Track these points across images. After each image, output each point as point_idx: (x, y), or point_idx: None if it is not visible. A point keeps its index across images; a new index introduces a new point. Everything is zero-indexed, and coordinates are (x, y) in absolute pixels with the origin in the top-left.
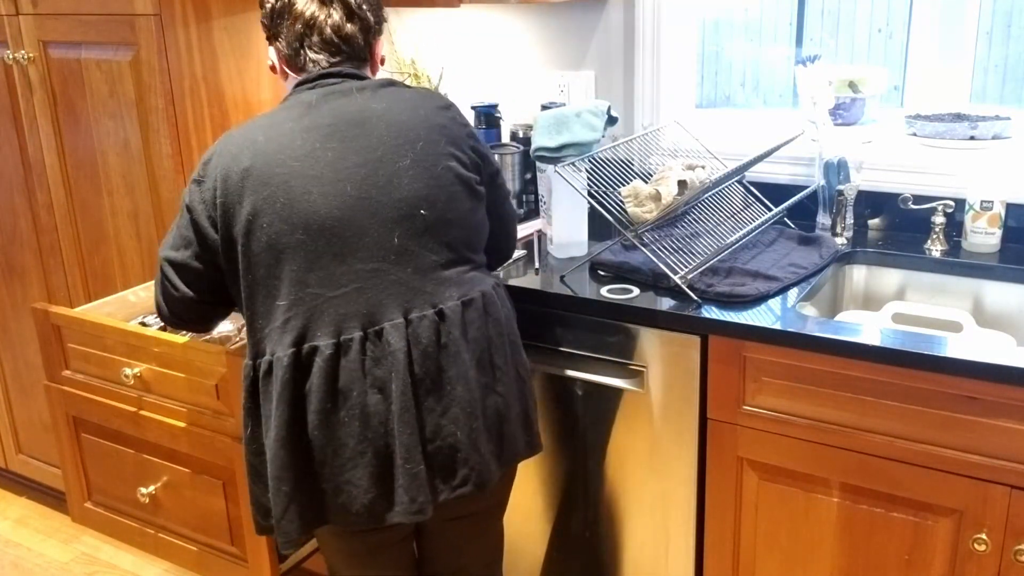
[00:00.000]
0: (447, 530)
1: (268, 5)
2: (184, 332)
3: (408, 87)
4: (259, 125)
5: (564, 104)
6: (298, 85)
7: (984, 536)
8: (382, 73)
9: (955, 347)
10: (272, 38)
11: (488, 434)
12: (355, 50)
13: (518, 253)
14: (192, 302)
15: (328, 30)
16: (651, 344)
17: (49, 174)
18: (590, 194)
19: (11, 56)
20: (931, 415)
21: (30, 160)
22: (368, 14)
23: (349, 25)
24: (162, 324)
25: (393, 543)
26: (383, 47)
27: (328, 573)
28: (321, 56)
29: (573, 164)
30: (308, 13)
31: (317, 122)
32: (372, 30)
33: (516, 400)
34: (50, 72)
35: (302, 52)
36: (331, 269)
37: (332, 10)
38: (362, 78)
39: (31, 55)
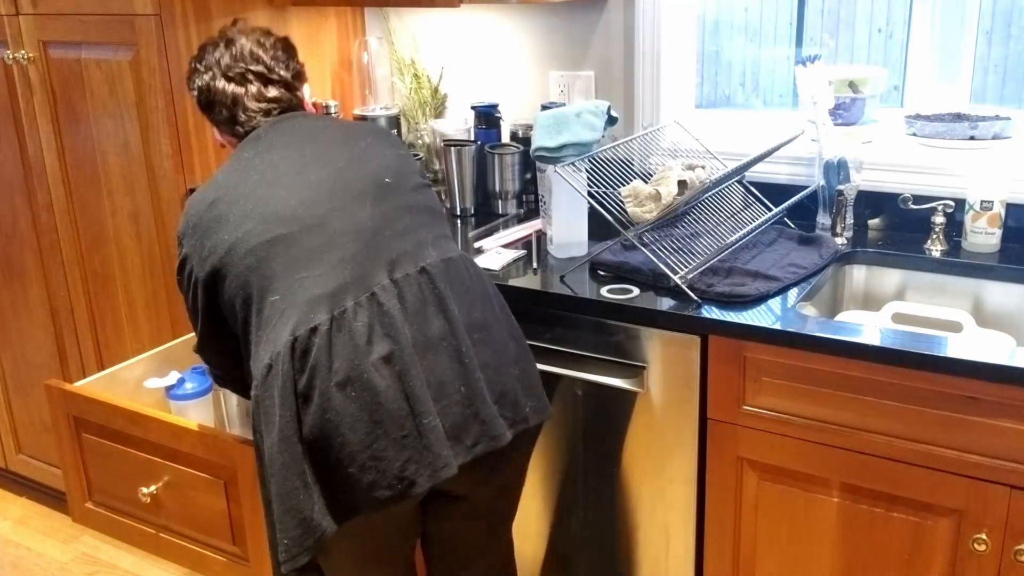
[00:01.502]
0: (455, 536)
1: (195, 95)
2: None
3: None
4: (216, 172)
5: (564, 104)
6: (244, 135)
7: (984, 536)
8: None
9: (955, 347)
10: (210, 120)
11: (490, 389)
12: (283, 103)
13: (518, 253)
14: (234, 381)
15: (252, 102)
16: (651, 344)
17: (49, 174)
18: (590, 194)
19: (11, 56)
20: (931, 415)
21: (30, 160)
22: (283, 72)
23: (271, 89)
24: None
25: (402, 547)
26: (310, 94)
27: None
28: (256, 116)
29: (573, 164)
30: (230, 93)
31: (271, 144)
32: (291, 85)
33: (512, 361)
34: (50, 72)
35: (237, 125)
36: (313, 249)
37: (249, 86)
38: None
39: (31, 55)
